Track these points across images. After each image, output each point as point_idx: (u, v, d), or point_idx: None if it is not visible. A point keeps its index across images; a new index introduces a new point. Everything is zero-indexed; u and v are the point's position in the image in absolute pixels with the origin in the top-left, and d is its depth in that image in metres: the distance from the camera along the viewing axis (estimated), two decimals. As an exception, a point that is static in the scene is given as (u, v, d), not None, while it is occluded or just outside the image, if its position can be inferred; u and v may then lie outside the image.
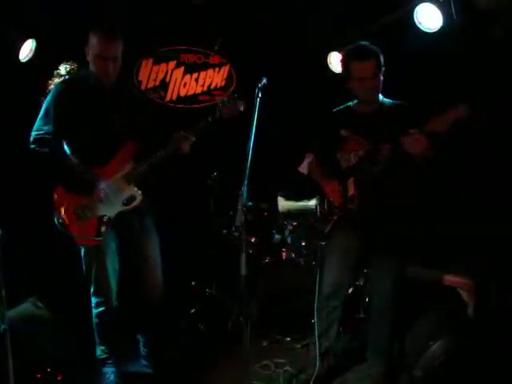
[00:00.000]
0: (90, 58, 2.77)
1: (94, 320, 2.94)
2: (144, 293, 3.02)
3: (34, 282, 3.58)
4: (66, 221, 2.71)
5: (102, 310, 2.90)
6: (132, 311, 3.11)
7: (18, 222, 3.65)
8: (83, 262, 2.89)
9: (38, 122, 2.74)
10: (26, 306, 3.09)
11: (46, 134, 2.69)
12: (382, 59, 2.77)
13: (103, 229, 2.73)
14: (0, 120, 3.82)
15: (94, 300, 2.92)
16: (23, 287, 3.23)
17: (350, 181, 2.83)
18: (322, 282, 2.99)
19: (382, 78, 2.79)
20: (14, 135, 3.84)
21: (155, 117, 3.11)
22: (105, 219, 2.74)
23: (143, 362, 3.14)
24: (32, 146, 2.71)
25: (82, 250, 2.86)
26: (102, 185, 2.72)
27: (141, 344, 3.13)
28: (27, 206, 3.86)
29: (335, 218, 2.90)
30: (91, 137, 2.75)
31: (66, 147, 2.76)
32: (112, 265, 2.87)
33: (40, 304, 3.15)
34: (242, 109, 2.87)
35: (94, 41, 2.71)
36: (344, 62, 2.85)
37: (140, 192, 2.84)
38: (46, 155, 2.69)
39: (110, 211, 2.77)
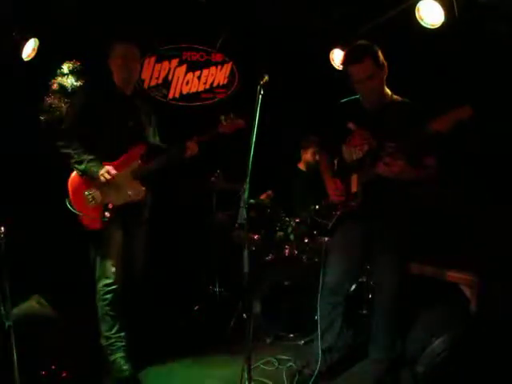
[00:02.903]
0: (114, 67, 3.11)
1: (101, 304, 3.01)
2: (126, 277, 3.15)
3: (38, 279, 3.60)
4: (76, 204, 3.05)
5: (111, 290, 3.01)
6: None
7: (21, 220, 3.68)
8: (91, 246, 3.09)
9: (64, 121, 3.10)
10: (30, 304, 3.11)
11: (64, 130, 3.04)
12: (379, 56, 2.73)
13: (107, 214, 3.03)
14: (3, 118, 3.83)
15: (102, 282, 3.02)
16: (27, 285, 3.24)
17: (354, 177, 2.83)
18: (325, 278, 3.00)
19: (383, 74, 2.76)
20: (17, 133, 3.87)
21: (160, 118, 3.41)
22: (109, 206, 3.04)
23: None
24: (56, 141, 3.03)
25: (90, 236, 3.06)
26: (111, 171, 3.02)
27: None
28: (30, 205, 3.88)
29: (338, 213, 2.90)
30: (105, 138, 3.06)
31: (78, 142, 3.03)
32: (117, 248, 3.07)
33: (44, 302, 3.17)
34: (242, 125, 3.15)
35: (118, 51, 3.09)
36: (343, 66, 2.85)
37: (144, 188, 3.13)
38: (62, 147, 3.01)
39: (115, 201, 3.05)
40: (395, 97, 2.85)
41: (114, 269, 3.02)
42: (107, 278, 3.01)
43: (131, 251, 3.19)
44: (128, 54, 3.09)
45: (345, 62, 2.80)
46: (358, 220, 2.88)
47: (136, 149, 3.13)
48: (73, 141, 2.99)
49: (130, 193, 3.07)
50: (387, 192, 2.78)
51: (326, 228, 2.97)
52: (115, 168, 3.03)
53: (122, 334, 3.06)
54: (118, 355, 3.02)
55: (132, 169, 3.10)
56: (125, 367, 2.98)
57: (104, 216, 3.02)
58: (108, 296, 3.01)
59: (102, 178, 2.96)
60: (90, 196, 3.03)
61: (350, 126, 2.81)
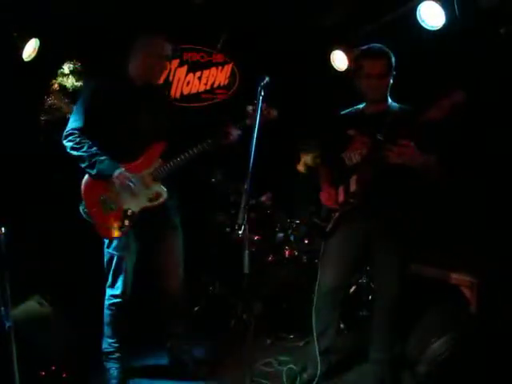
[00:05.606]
0: (138, 58, 2.87)
1: (106, 312, 2.97)
2: (164, 290, 3.09)
3: (38, 279, 3.59)
4: (91, 211, 2.79)
5: (116, 302, 2.94)
6: (150, 307, 3.21)
7: (20, 220, 3.67)
8: (105, 253, 2.92)
9: (70, 120, 2.83)
10: (30, 304, 3.11)
11: (72, 129, 2.78)
12: (393, 62, 2.80)
13: (127, 222, 2.77)
14: (4, 119, 3.83)
15: (109, 292, 2.96)
16: (27, 285, 3.24)
17: (353, 178, 2.84)
18: (321, 281, 2.98)
19: (391, 80, 2.82)
20: (17, 134, 3.87)
21: (184, 120, 3.23)
22: (129, 213, 2.78)
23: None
24: (63, 142, 2.79)
25: (106, 242, 2.90)
26: (127, 174, 2.77)
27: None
28: (30, 205, 3.88)
29: (337, 215, 2.90)
30: (120, 134, 2.82)
31: (91, 142, 2.79)
32: (131, 259, 2.92)
33: (44, 302, 3.16)
34: (275, 115, 2.97)
35: (152, 42, 2.85)
36: (357, 60, 2.90)
37: (165, 190, 2.86)
38: (71, 149, 2.76)
39: (134, 206, 2.81)
40: (393, 104, 2.90)
41: (123, 282, 2.90)
42: (115, 289, 2.93)
43: (158, 262, 3.03)
44: (162, 54, 2.87)
45: (362, 55, 2.85)
46: (356, 221, 2.88)
47: (156, 146, 2.85)
48: (82, 142, 2.74)
49: (150, 196, 2.81)
50: (387, 192, 2.79)
51: (325, 231, 2.96)
52: (134, 168, 2.80)
53: (124, 344, 3.02)
54: (114, 365, 2.99)
55: (153, 169, 2.84)
56: (114, 381, 2.95)
57: (123, 225, 2.75)
58: (113, 308, 2.96)
59: (116, 180, 2.72)
60: (107, 202, 2.77)
61: (351, 132, 2.85)
